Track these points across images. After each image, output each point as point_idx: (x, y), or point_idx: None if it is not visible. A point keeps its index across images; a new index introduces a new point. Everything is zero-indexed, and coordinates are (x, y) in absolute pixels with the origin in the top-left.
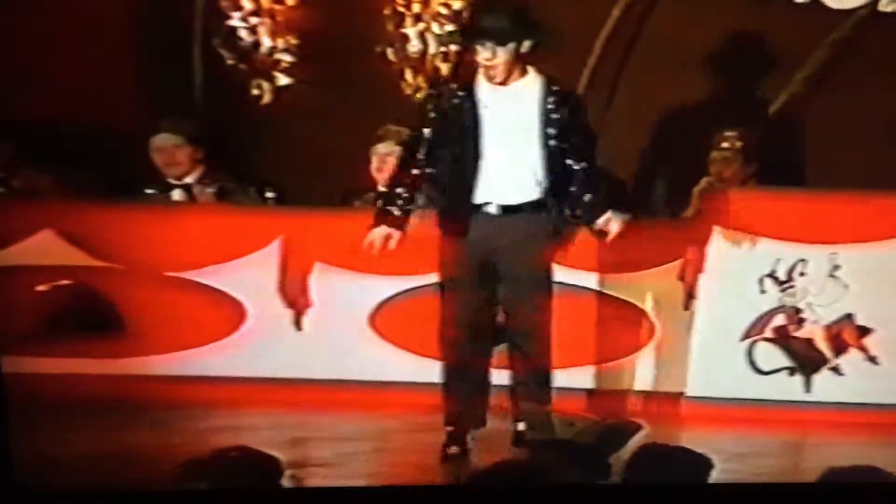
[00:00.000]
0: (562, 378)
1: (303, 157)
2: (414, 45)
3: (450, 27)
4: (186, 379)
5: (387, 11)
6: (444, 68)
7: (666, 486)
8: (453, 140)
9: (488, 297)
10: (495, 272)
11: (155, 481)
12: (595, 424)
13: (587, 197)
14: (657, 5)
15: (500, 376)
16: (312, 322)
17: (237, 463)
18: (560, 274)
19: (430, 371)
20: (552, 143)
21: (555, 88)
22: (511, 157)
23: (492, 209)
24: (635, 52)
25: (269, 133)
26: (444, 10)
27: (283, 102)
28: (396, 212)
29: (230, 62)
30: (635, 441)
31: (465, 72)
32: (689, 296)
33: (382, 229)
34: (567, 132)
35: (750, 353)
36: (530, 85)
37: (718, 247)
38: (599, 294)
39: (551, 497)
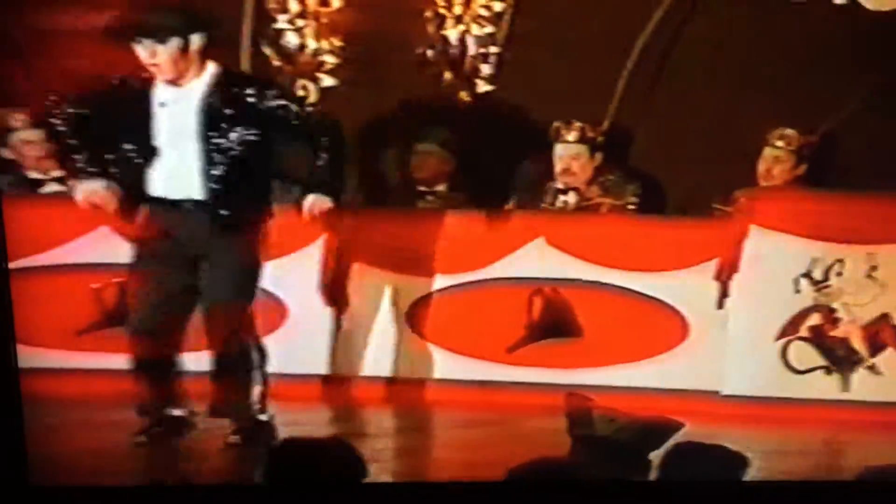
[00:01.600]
0: (597, 376)
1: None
2: (453, 47)
3: (489, 29)
4: None
5: (428, 14)
6: (484, 69)
7: (703, 483)
8: (126, 133)
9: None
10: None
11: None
12: (635, 422)
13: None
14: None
15: None
16: (350, 320)
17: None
18: (595, 272)
19: (467, 368)
20: (217, 139)
21: (224, 84)
22: (182, 155)
23: (166, 204)
24: (676, 53)
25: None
26: (484, 13)
27: (327, 103)
28: None
29: (276, 63)
30: (675, 438)
31: None
32: (724, 294)
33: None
34: (241, 126)
35: (784, 352)
36: (201, 82)
37: (754, 246)
38: (634, 293)
39: (589, 493)
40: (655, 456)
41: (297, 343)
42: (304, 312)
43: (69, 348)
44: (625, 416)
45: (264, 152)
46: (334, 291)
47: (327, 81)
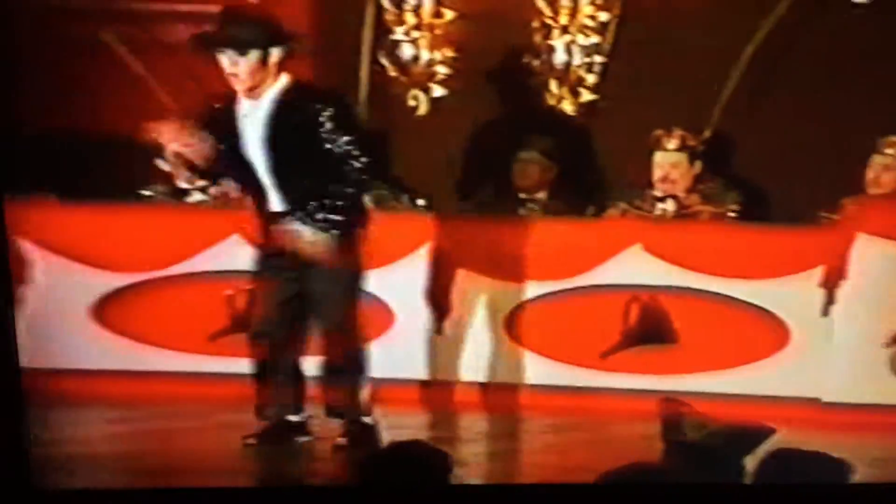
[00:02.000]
0: (692, 382)
1: (450, 164)
2: (559, 57)
3: (595, 39)
4: None
5: (535, 24)
6: (588, 79)
7: (798, 487)
8: (226, 149)
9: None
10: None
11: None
12: (726, 427)
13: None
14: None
15: None
16: (452, 326)
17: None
18: (692, 279)
19: (563, 374)
20: (285, 151)
21: (292, 95)
22: (269, 166)
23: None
24: (784, 62)
25: (421, 142)
26: (590, 23)
27: (436, 112)
28: None
29: (392, 74)
30: (770, 444)
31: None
32: (830, 302)
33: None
34: (305, 140)
35: (894, 359)
36: (273, 92)
37: (862, 254)
38: (732, 299)
39: (681, 497)
40: (750, 461)
41: (401, 348)
42: (409, 318)
43: (201, 352)
44: (715, 422)
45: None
46: (438, 297)
47: (438, 91)
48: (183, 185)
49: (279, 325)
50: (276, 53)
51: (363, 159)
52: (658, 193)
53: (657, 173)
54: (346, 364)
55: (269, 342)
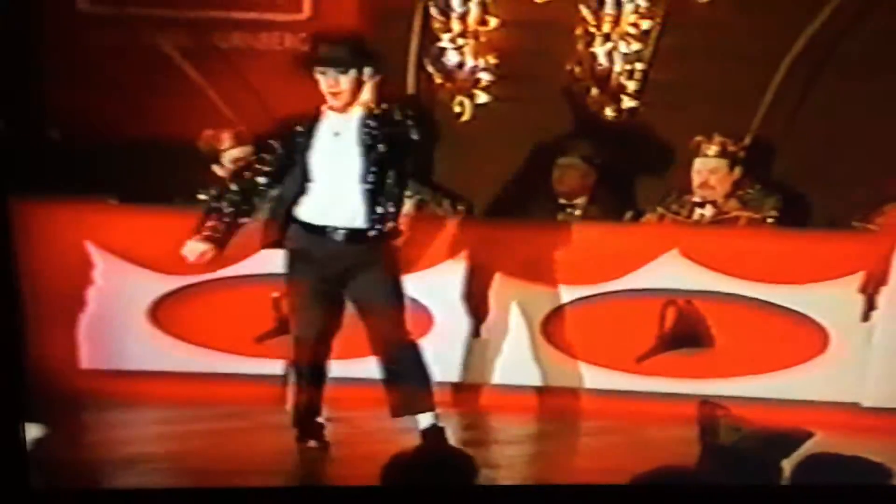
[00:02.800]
0: (728, 387)
1: (492, 170)
2: (601, 64)
3: (636, 46)
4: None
5: (578, 31)
6: (629, 85)
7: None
8: (297, 162)
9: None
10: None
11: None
12: (761, 431)
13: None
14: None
15: None
16: (490, 329)
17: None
18: (729, 284)
19: (600, 378)
20: (369, 166)
21: (375, 111)
22: (342, 181)
23: (332, 233)
24: (825, 69)
25: (462, 147)
26: (632, 31)
27: (479, 118)
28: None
29: (438, 81)
30: (806, 448)
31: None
32: (870, 307)
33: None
34: (387, 155)
35: None
36: (358, 109)
37: None
38: (769, 304)
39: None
40: (787, 464)
41: (440, 351)
42: (448, 321)
43: (248, 354)
44: (750, 426)
45: (402, 170)
46: (476, 301)
47: (482, 98)
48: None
49: (316, 328)
50: (367, 71)
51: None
52: (697, 199)
53: (696, 179)
54: (405, 362)
55: (307, 346)
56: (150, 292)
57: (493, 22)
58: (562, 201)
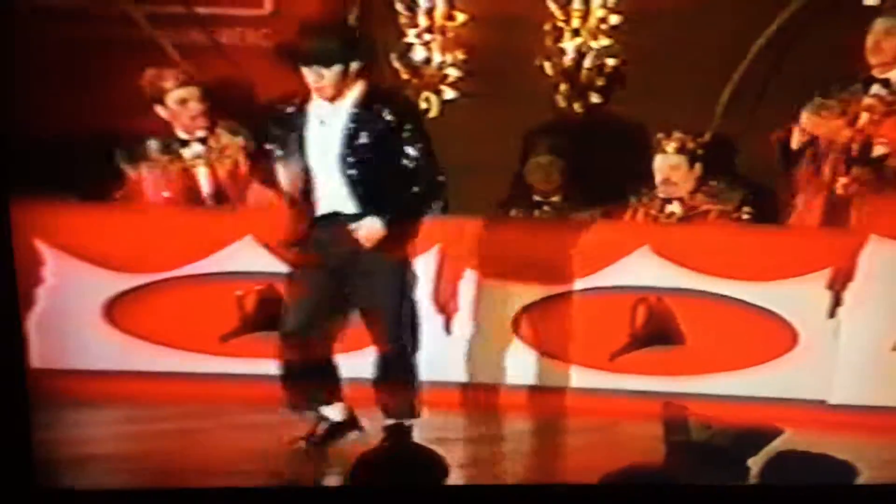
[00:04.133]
0: (699, 384)
1: (461, 167)
2: (570, 59)
3: (605, 41)
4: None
5: (547, 27)
6: (599, 81)
7: (801, 488)
8: (292, 152)
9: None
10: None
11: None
12: (731, 428)
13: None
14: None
15: None
16: (460, 327)
17: (406, 460)
18: (699, 281)
19: (572, 375)
20: (351, 158)
21: (365, 103)
22: (333, 170)
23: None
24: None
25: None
26: (602, 26)
27: (446, 115)
28: None
29: (405, 77)
30: (774, 446)
31: None
32: (836, 304)
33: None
34: (376, 148)
35: None
36: (350, 98)
37: (871, 256)
38: (740, 301)
39: (687, 497)
40: (755, 462)
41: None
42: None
43: (212, 353)
44: (720, 423)
45: (399, 164)
46: (446, 298)
47: (449, 94)
48: (182, 135)
49: (311, 324)
50: (354, 65)
51: (433, 167)
52: (662, 195)
53: (658, 176)
54: (396, 364)
55: (300, 342)
56: (104, 290)
57: (460, 17)
58: (536, 198)
